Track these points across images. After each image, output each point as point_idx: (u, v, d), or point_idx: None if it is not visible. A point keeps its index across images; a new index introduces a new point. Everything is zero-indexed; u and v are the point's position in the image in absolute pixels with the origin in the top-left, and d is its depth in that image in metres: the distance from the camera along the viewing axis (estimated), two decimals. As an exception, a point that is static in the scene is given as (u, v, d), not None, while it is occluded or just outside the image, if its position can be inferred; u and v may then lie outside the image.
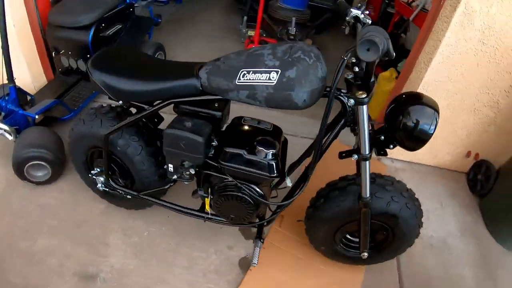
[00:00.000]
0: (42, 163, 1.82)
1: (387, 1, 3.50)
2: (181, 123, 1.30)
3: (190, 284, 1.66)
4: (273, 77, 1.12)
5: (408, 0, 2.95)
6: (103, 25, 2.45)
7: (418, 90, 2.06)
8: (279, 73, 1.11)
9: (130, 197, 1.66)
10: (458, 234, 2.09)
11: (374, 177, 1.51)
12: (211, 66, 1.23)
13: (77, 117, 1.61)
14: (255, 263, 1.49)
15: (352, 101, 1.19)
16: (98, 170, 1.66)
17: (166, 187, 1.58)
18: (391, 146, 1.34)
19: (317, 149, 1.30)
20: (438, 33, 1.93)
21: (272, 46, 1.18)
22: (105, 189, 1.69)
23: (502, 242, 2.07)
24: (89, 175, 1.69)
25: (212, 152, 1.39)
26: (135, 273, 1.66)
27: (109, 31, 2.52)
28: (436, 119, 1.23)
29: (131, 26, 2.75)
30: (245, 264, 1.77)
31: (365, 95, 1.14)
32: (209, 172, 1.41)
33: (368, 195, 1.36)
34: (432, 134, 1.23)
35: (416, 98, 1.26)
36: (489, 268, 1.95)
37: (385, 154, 1.38)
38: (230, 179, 1.38)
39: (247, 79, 1.14)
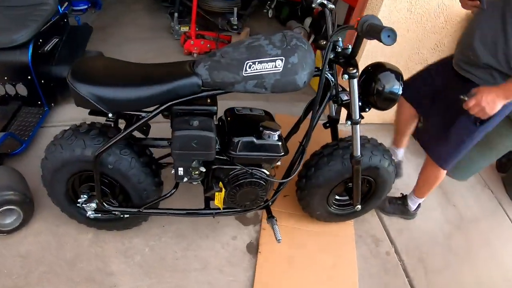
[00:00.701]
0: (11, 207, 1.60)
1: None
2: (187, 123, 1.27)
3: (211, 284, 1.67)
4: (279, 65, 1.21)
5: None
6: (40, 40, 2.19)
7: (362, 58, 2.31)
8: (284, 60, 1.21)
9: (128, 215, 1.58)
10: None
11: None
12: (209, 62, 1.24)
13: (50, 144, 1.44)
14: (280, 239, 1.54)
15: (346, 76, 1.32)
16: (86, 196, 1.53)
17: (171, 192, 1.54)
18: (367, 110, 1.52)
19: (314, 122, 1.44)
20: (373, 7, 2.20)
21: (265, 36, 1.26)
22: (97, 215, 1.58)
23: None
24: (77, 205, 1.55)
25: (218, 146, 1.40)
26: (152, 291, 1.60)
27: (47, 46, 2.27)
28: (401, 81, 1.43)
29: (68, 38, 2.51)
30: (252, 249, 1.84)
31: (355, 70, 1.29)
32: (219, 166, 1.42)
33: (359, 153, 1.53)
34: (400, 94, 1.44)
35: (382, 67, 1.45)
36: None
37: (362, 117, 1.55)
38: (239, 167, 1.42)
39: (254, 70, 1.20)
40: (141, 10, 4.08)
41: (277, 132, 1.36)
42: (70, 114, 2.43)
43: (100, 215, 1.59)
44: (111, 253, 1.71)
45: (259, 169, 1.44)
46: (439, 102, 1.78)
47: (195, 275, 1.68)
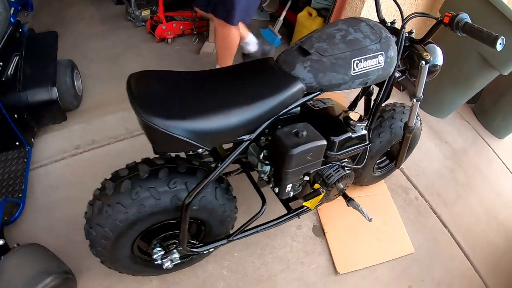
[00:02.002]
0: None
1: None
2: (295, 137, 1.14)
3: (299, 279, 1.70)
4: (381, 60, 1.19)
5: None
6: (0, 64, 1.71)
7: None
8: (384, 55, 1.18)
9: (212, 250, 1.41)
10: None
11: (394, 108, 1.81)
12: (309, 62, 1.12)
13: (97, 207, 1.13)
14: (371, 218, 1.58)
15: (423, 62, 1.32)
16: (160, 249, 1.33)
17: (264, 209, 1.43)
18: None
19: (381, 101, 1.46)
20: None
21: (353, 27, 1.21)
22: (177, 262, 1.39)
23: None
24: (155, 262, 1.34)
25: None
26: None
27: (9, 69, 1.79)
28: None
29: (28, 51, 1.99)
30: (318, 231, 1.90)
31: (429, 56, 1.31)
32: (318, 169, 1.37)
33: (413, 124, 1.63)
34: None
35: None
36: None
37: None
38: (331, 164, 1.40)
39: (361, 68, 1.15)
40: (80, 2, 3.37)
41: (365, 121, 1.35)
42: (55, 146, 2.04)
43: (180, 261, 1.41)
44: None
45: (348, 160, 1.44)
46: None
47: (282, 277, 1.69)
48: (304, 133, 1.15)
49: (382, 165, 2.08)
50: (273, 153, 1.23)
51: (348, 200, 1.65)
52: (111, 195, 1.12)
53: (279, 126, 1.18)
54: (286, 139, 1.14)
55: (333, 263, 1.77)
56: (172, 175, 1.12)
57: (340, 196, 1.65)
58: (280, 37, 3.11)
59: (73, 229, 1.68)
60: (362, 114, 1.54)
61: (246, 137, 1.12)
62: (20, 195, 1.70)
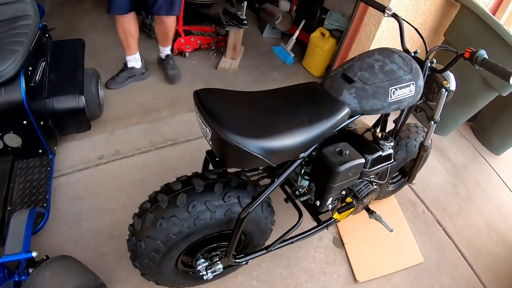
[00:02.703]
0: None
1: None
2: (339, 155, 1.25)
3: (323, 287, 1.78)
4: (412, 89, 1.31)
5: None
6: (30, 69, 1.69)
7: (371, 48, 2.48)
8: (414, 84, 1.31)
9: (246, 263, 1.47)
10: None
11: (409, 128, 1.94)
12: (354, 89, 1.24)
13: (149, 220, 1.16)
14: (392, 229, 1.68)
15: (443, 90, 1.44)
16: (204, 261, 1.39)
17: (301, 221, 1.52)
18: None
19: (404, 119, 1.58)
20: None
21: (388, 58, 1.32)
22: (220, 272, 1.44)
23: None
24: (201, 274, 1.39)
25: None
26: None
27: (37, 75, 1.77)
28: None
29: (54, 57, 1.99)
30: (338, 242, 1.99)
31: (449, 85, 1.44)
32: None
33: (429, 144, 1.75)
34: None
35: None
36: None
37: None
38: (362, 180, 1.50)
39: (397, 95, 1.27)
40: (93, 9, 3.37)
41: (391, 140, 1.47)
42: (78, 155, 2.06)
43: (223, 270, 1.46)
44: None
45: (374, 176, 1.55)
46: None
47: (307, 286, 1.77)
48: (347, 152, 1.26)
49: (394, 180, 2.20)
50: (318, 169, 1.33)
51: (371, 212, 1.76)
52: (165, 208, 1.16)
53: (317, 145, 1.27)
54: (332, 157, 1.25)
55: (353, 272, 1.87)
56: (226, 189, 1.19)
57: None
58: (293, 55, 3.22)
59: (99, 240, 1.72)
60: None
61: (302, 155, 1.23)
62: (44, 204, 1.71)
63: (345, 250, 1.95)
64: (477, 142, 3.08)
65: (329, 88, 1.27)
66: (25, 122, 1.70)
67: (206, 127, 1.06)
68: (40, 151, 1.87)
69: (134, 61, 2.54)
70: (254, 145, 1.02)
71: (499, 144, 2.97)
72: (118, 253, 1.69)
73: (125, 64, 2.55)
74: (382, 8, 1.56)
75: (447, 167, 2.75)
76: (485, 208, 2.55)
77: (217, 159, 1.30)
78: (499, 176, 2.84)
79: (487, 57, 1.27)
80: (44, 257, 1.36)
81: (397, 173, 2.18)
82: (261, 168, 1.38)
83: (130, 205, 1.85)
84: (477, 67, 1.30)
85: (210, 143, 1.09)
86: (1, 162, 1.78)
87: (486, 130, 3.03)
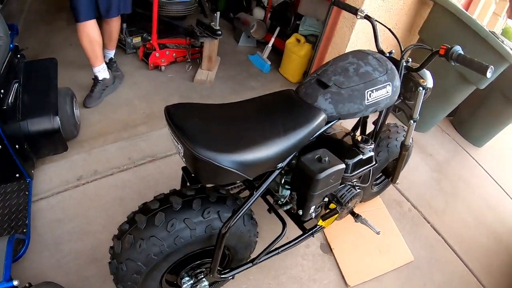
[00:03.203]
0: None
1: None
2: (318, 163, 1.22)
3: (314, 295, 1.76)
4: (389, 90, 1.30)
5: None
6: (2, 91, 1.65)
7: (347, 50, 2.49)
8: (391, 85, 1.30)
9: (232, 277, 1.43)
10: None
11: (389, 128, 1.95)
12: (329, 95, 1.22)
13: (127, 242, 1.13)
14: (379, 231, 1.67)
15: (421, 88, 1.45)
16: (189, 278, 1.35)
17: (285, 231, 1.48)
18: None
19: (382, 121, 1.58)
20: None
21: (362, 60, 1.31)
22: None
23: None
24: None
25: None
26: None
27: (9, 97, 1.72)
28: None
29: (27, 78, 1.94)
30: (325, 248, 1.97)
31: (426, 83, 1.45)
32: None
33: (410, 143, 1.76)
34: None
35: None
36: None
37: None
38: (344, 185, 1.48)
39: (373, 98, 1.26)
40: (67, 26, 3.31)
41: (371, 143, 1.46)
42: (56, 177, 2.00)
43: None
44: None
45: (357, 180, 1.54)
46: None
47: (297, 295, 1.74)
48: (327, 158, 1.24)
49: (378, 181, 2.20)
50: (298, 178, 1.30)
51: (356, 216, 1.74)
52: (144, 229, 1.12)
53: (296, 153, 1.25)
54: (311, 165, 1.22)
55: (343, 277, 1.85)
56: (205, 205, 1.16)
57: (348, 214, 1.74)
58: (269, 63, 3.23)
59: (82, 263, 1.67)
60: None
61: (279, 165, 1.20)
62: (24, 230, 1.65)
63: (334, 256, 1.93)
64: (458, 136, 3.13)
65: (304, 95, 1.26)
66: (0, 147, 1.65)
67: (178, 143, 1.03)
68: (17, 175, 1.82)
69: (103, 71, 2.51)
70: (228, 160, 0.99)
71: (479, 136, 3.01)
72: (101, 276, 1.64)
73: (96, 77, 2.51)
74: (354, 11, 1.57)
75: (430, 163, 2.77)
76: (471, 201, 2.57)
77: (192, 175, 1.27)
78: (483, 168, 2.88)
79: (462, 53, 1.28)
80: (27, 285, 1.33)
81: (380, 174, 2.18)
82: (238, 181, 1.34)
83: (111, 226, 1.81)
84: (453, 63, 1.30)
85: (183, 159, 1.06)
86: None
87: (466, 123, 3.08)
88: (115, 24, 2.49)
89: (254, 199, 1.18)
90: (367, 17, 1.55)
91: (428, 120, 2.89)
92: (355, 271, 1.89)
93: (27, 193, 1.80)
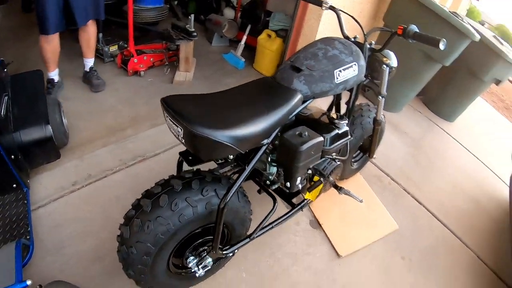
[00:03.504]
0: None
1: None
2: (299, 137, 1.36)
3: (309, 268, 1.88)
4: (355, 69, 1.47)
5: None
6: None
7: (318, 34, 2.64)
8: (357, 64, 1.46)
9: (237, 250, 1.54)
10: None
11: (361, 107, 2.10)
12: (303, 77, 1.37)
13: (135, 225, 1.22)
14: (362, 199, 1.79)
15: (385, 66, 1.62)
16: (194, 257, 1.45)
17: (276, 205, 1.60)
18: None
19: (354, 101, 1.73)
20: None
21: (330, 45, 1.47)
22: (208, 268, 1.49)
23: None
24: (193, 271, 1.44)
25: None
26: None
27: (1, 110, 1.78)
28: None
29: (14, 90, 2.00)
30: (315, 224, 2.11)
31: (389, 61, 1.62)
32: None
33: (381, 117, 1.91)
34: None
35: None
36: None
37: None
38: (325, 158, 1.62)
39: (342, 76, 1.41)
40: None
41: (346, 120, 1.60)
42: (51, 185, 2.05)
43: (214, 264, 1.53)
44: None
45: (336, 154, 1.68)
46: None
47: (294, 269, 1.86)
48: (306, 133, 1.39)
49: (357, 158, 2.36)
50: (282, 153, 1.43)
51: (339, 189, 1.88)
52: (150, 211, 1.23)
53: (278, 131, 1.37)
54: (293, 139, 1.37)
55: (334, 249, 1.98)
56: (203, 185, 1.28)
57: (332, 188, 1.87)
58: (243, 60, 3.36)
59: (86, 264, 1.73)
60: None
61: (265, 141, 1.34)
62: (27, 237, 1.70)
63: (323, 230, 2.07)
64: (430, 113, 3.33)
65: (281, 79, 1.40)
66: None
67: (177, 126, 1.15)
68: (14, 185, 1.86)
69: (57, 75, 2.64)
70: (223, 135, 1.13)
71: (451, 111, 3.22)
72: (107, 273, 1.70)
73: (52, 80, 2.60)
74: (319, 3, 1.71)
75: (405, 140, 2.95)
76: (448, 172, 2.76)
77: (190, 158, 1.38)
78: (457, 141, 3.09)
79: (418, 31, 1.43)
80: (38, 286, 1.37)
81: (358, 151, 2.33)
82: (231, 157, 1.46)
83: (110, 224, 1.87)
84: (410, 41, 1.46)
85: (183, 141, 1.18)
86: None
87: (436, 100, 3.28)
88: (92, 30, 2.54)
89: (246, 174, 1.31)
90: (331, 8, 1.69)
91: (399, 100, 3.07)
92: (345, 242, 2.03)
93: (25, 202, 1.84)
